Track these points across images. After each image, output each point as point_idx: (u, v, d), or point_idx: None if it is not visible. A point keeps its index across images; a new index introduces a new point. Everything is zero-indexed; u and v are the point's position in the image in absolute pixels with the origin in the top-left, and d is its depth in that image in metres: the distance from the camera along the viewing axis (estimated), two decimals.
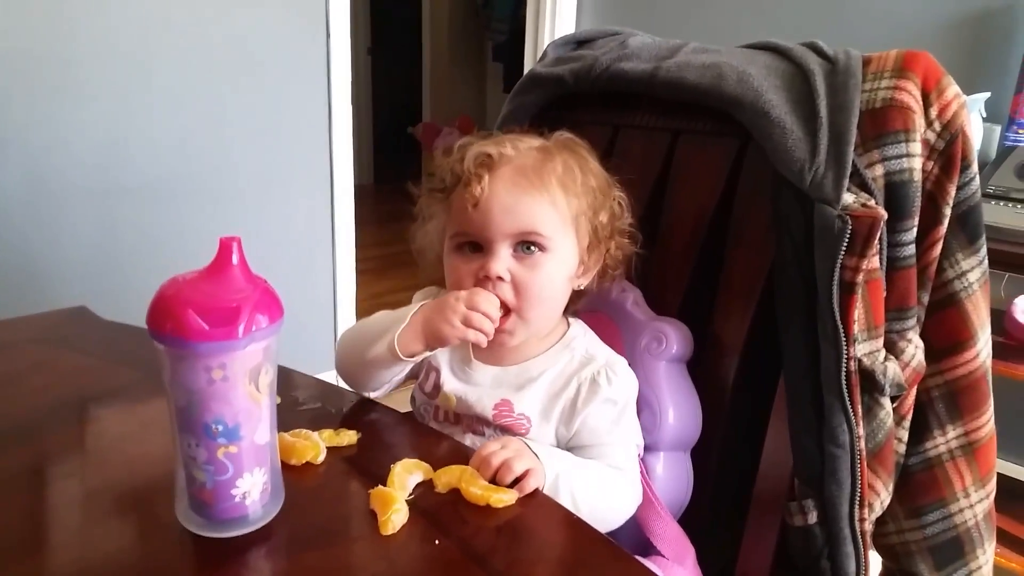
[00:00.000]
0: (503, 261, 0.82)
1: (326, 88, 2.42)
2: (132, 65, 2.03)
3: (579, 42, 1.08)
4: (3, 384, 0.90)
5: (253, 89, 2.26)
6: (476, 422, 0.87)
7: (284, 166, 2.39)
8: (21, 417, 0.82)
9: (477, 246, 0.83)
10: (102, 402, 0.87)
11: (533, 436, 0.84)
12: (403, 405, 0.95)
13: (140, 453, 0.76)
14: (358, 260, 2.66)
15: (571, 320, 0.91)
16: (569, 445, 0.85)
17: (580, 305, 0.93)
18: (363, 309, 2.79)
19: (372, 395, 0.90)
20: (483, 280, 0.82)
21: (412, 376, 0.93)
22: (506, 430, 0.85)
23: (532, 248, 0.82)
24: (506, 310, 0.82)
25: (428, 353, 0.84)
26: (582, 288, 0.90)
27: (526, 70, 1.13)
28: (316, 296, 2.58)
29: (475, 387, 0.87)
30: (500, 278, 0.81)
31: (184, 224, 2.19)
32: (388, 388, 0.91)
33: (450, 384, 0.88)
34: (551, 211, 0.82)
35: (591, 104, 1.03)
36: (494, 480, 0.71)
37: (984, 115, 1.79)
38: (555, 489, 0.75)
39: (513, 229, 0.81)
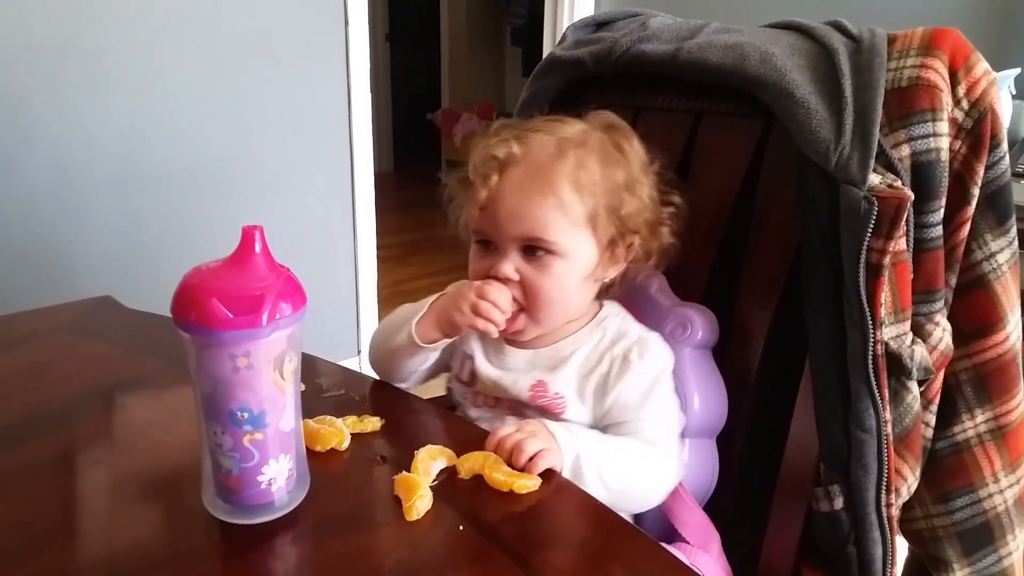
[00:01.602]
0: (511, 262, 0.82)
1: (345, 76, 2.42)
2: (152, 56, 2.04)
3: (599, 24, 1.07)
4: (30, 374, 0.91)
5: (273, 78, 2.27)
6: (516, 404, 0.87)
7: (304, 154, 2.39)
8: (48, 406, 0.82)
9: (491, 243, 0.84)
10: (128, 390, 0.88)
11: (569, 416, 0.84)
12: (426, 392, 0.95)
13: (166, 441, 0.77)
14: (379, 247, 2.67)
15: (605, 301, 0.91)
16: (604, 423, 0.85)
17: (618, 293, 0.92)
18: (385, 296, 2.80)
19: (403, 386, 0.92)
20: (494, 279, 0.83)
21: (444, 368, 0.94)
22: (544, 411, 0.85)
23: (539, 251, 0.82)
24: (517, 307, 0.83)
25: (446, 340, 0.86)
26: (610, 280, 0.89)
27: (545, 54, 1.12)
28: (338, 284, 2.59)
29: (509, 371, 0.88)
30: (508, 279, 0.82)
31: (206, 213, 2.20)
32: (418, 379, 0.93)
33: (485, 370, 0.89)
34: (559, 216, 0.81)
35: (612, 87, 1.02)
36: (509, 463, 0.71)
37: (1013, 92, 1.75)
38: (578, 468, 0.75)
39: (518, 234, 0.82)
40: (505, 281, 0.82)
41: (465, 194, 0.85)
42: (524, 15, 5.63)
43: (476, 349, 0.90)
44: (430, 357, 0.89)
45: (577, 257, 0.83)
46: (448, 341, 0.87)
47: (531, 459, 0.71)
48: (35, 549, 0.60)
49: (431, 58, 6.21)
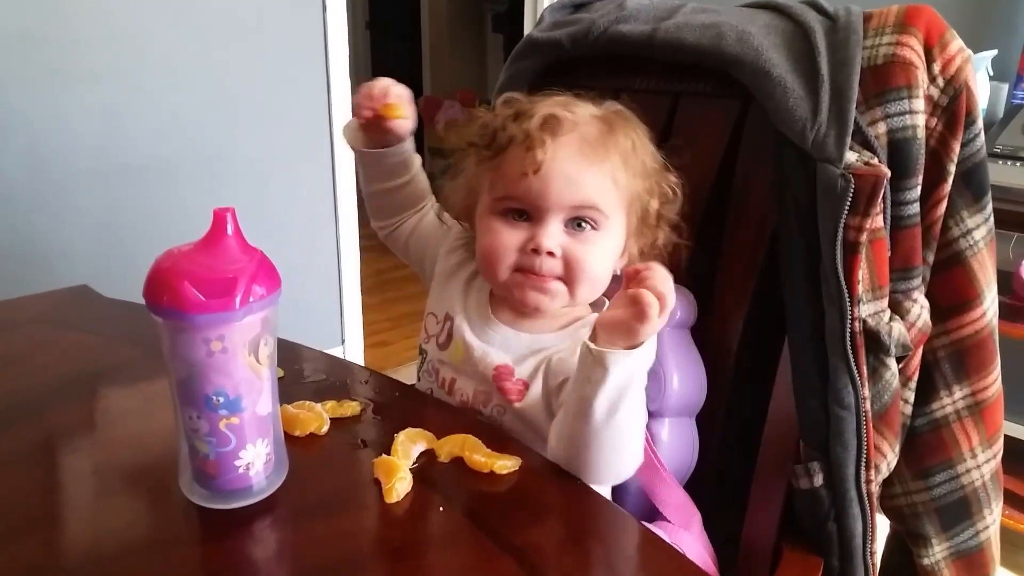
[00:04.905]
0: (555, 235, 0.77)
1: (324, 63, 2.40)
2: (130, 45, 2.01)
3: (576, 6, 1.07)
4: (7, 363, 0.90)
5: (251, 66, 2.24)
6: (477, 379, 0.84)
7: (284, 143, 2.38)
8: (26, 395, 0.82)
9: (523, 213, 0.79)
10: (106, 379, 0.87)
11: (524, 404, 0.81)
12: (406, 377, 0.95)
13: (145, 428, 0.76)
14: (361, 237, 2.65)
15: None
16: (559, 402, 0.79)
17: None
18: (368, 286, 2.79)
19: (380, 223, 1.01)
20: (531, 253, 0.78)
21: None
22: (501, 393, 0.81)
23: (584, 224, 0.78)
24: (559, 281, 0.79)
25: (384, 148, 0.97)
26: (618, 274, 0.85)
27: None
28: (320, 273, 2.58)
29: (485, 344, 0.84)
30: (551, 253, 0.77)
31: (185, 202, 2.19)
32: (388, 200, 0.99)
33: (461, 333, 0.85)
34: (611, 188, 0.78)
35: (590, 68, 1.02)
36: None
37: (991, 73, 1.76)
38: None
39: (572, 201, 0.77)
40: (545, 257, 0.77)
41: (493, 160, 0.80)
42: (505, 1, 5.60)
43: (458, 312, 0.87)
44: (394, 160, 0.98)
45: (615, 236, 0.80)
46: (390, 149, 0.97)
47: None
48: (13, 537, 0.59)
49: (412, 45, 6.17)
